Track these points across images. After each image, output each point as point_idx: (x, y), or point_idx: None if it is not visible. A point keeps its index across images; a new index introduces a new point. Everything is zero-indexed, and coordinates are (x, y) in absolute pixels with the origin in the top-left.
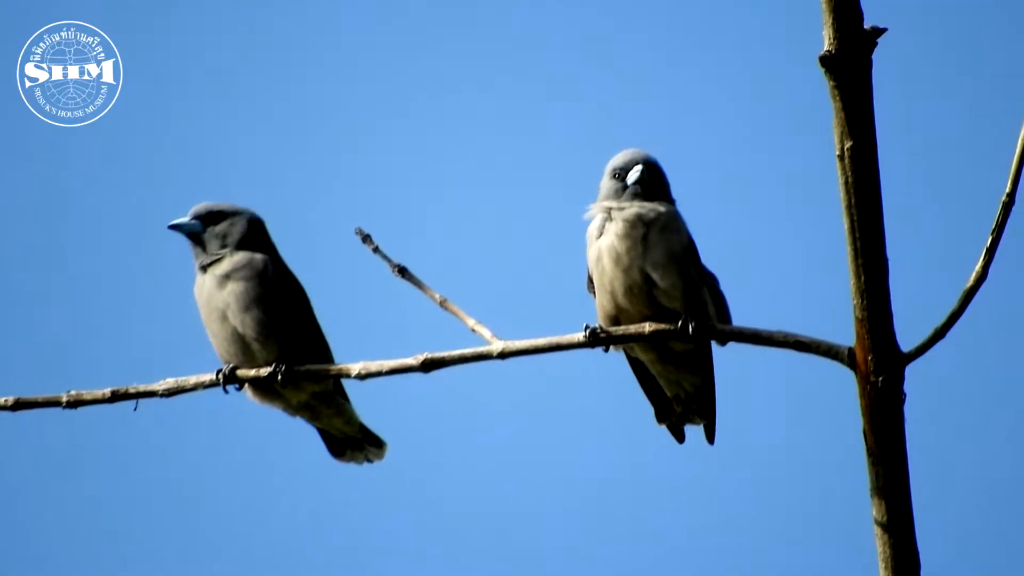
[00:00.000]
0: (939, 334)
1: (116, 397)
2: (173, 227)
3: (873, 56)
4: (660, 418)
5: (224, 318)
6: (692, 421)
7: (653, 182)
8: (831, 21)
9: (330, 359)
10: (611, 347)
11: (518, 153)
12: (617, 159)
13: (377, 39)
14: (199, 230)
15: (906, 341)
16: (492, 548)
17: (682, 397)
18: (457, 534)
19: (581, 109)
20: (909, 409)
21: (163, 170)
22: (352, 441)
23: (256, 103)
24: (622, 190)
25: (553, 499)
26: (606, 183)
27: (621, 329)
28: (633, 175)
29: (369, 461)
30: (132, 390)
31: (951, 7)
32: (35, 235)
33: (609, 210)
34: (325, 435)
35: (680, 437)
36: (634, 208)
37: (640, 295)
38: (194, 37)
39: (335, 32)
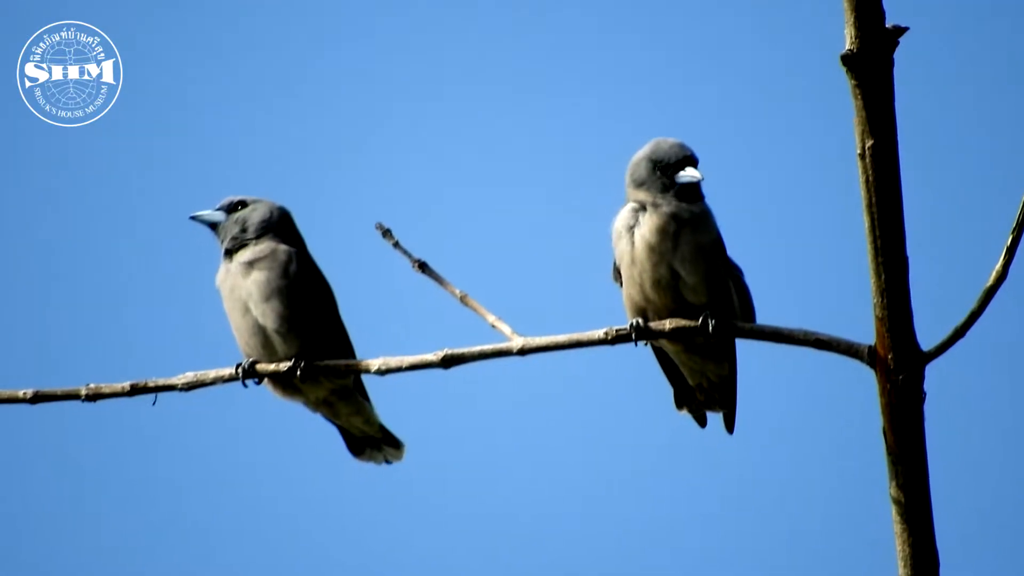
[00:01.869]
0: (959, 333)
1: (135, 391)
2: (194, 218)
3: (895, 55)
4: (680, 404)
5: (247, 310)
6: (713, 409)
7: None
8: (853, 20)
9: (352, 356)
10: (637, 341)
11: (540, 149)
12: (661, 150)
13: (393, 31)
14: (221, 220)
15: (926, 340)
16: (512, 545)
17: (705, 386)
18: (476, 530)
19: (600, 106)
20: (929, 408)
21: (164, 170)
22: (371, 440)
23: (261, 101)
24: (667, 186)
25: (573, 495)
26: (645, 174)
27: (644, 326)
28: (686, 177)
29: (388, 462)
30: (152, 384)
31: (972, 6)
32: (35, 235)
33: (643, 204)
34: (344, 432)
35: (702, 422)
36: (672, 206)
37: (667, 289)
38: (194, 37)
39: (342, 27)
